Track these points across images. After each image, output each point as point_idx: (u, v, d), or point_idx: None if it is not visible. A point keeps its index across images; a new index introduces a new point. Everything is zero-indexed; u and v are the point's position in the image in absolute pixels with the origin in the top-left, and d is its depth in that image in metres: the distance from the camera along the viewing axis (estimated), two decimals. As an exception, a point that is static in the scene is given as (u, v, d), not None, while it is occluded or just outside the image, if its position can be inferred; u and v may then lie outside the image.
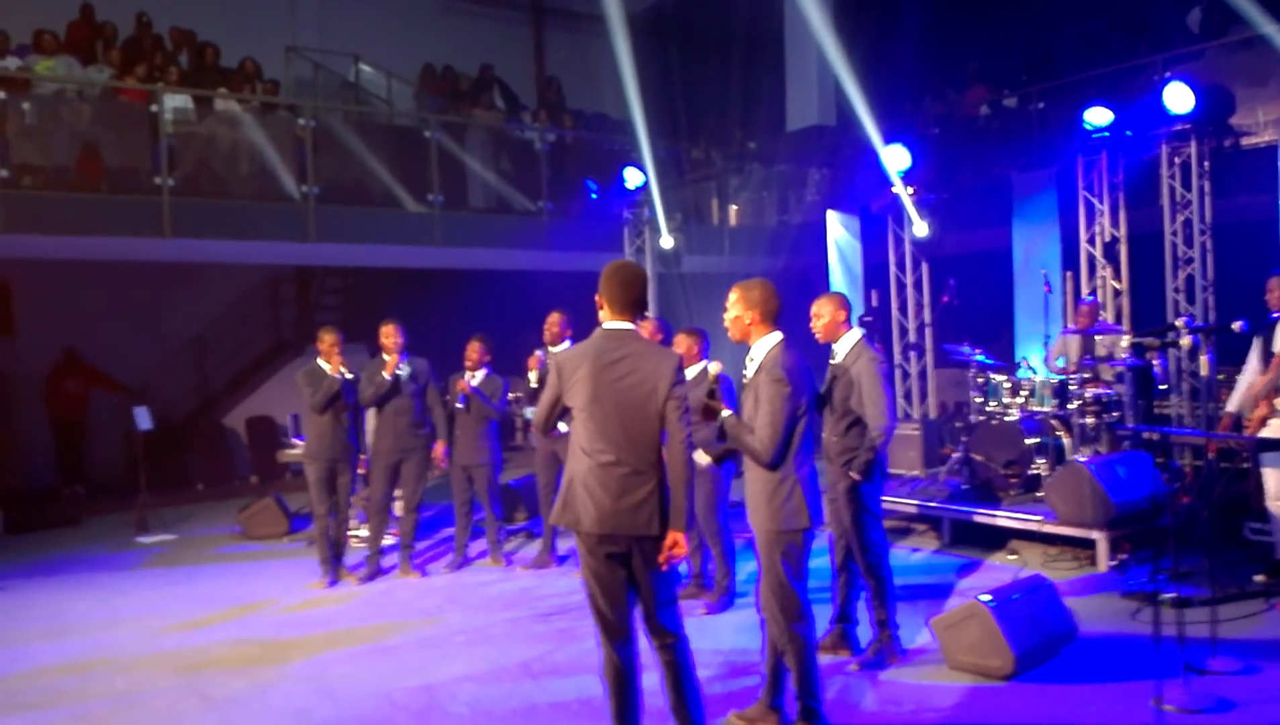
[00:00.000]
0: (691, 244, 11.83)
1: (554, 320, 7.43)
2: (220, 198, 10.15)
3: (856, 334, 5.38)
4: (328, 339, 7.35)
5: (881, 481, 5.38)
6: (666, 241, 11.37)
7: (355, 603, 6.94)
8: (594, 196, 11.63)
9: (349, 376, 7.32)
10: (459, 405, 7.58)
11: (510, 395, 8.15)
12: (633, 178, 11.02)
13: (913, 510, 8.33)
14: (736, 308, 4.37)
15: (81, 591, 7.49)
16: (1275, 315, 6.39)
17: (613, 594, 3.86)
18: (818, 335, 5.38)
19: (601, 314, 3.99)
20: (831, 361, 5.33)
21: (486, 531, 7.87)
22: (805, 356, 4.37)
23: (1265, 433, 6.25)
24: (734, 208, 14.00)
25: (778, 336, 4.33)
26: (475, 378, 7.61)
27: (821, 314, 5.36)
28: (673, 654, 3.89)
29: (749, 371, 4.33)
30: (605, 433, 3.82)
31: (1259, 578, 6.34)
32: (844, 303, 5.44)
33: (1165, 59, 9.82)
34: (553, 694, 5.06)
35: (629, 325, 3.94)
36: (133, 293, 12.04)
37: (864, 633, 5.46)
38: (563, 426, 4.17)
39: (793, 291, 5.34)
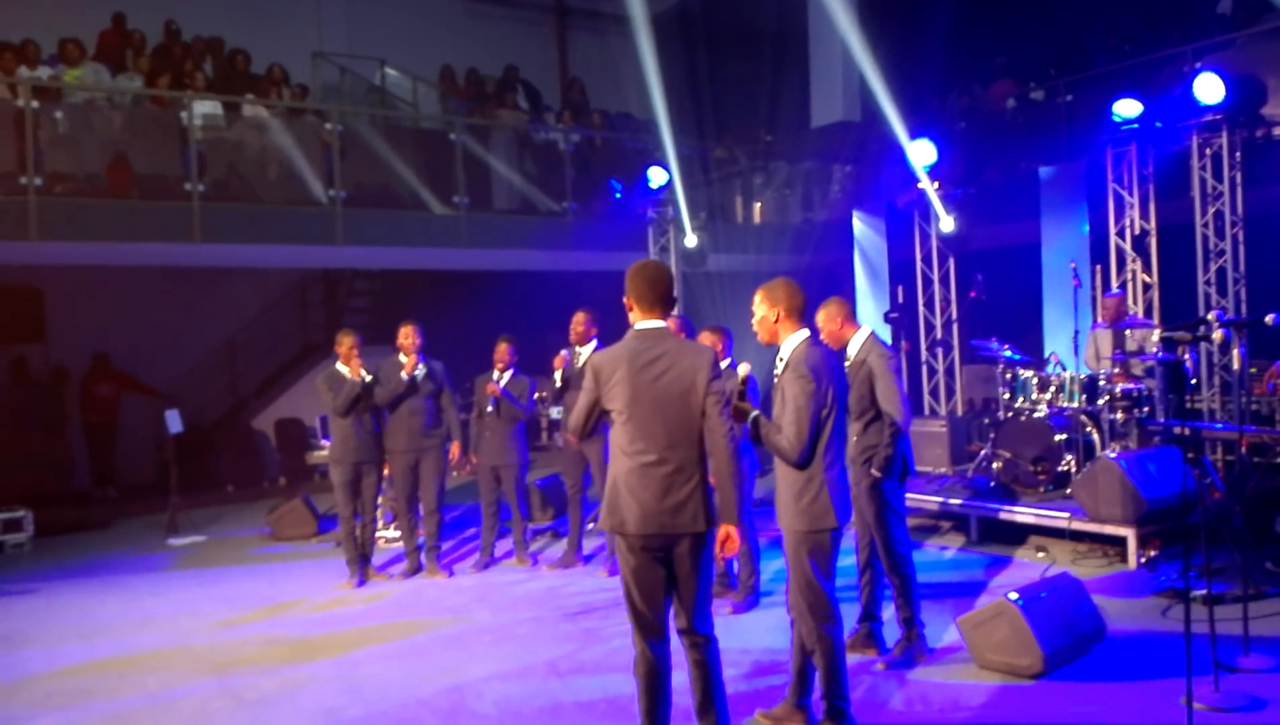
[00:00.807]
0: (716, 242, 11.82)
1: (579, 319, 7.44)
2: (249, 202, 10.24)
3: (865, 332, 5.35)
4: (346, 342, 7.35)
5: (905, 479, 5.34)
6: (691, 240, 11.36)
7: (383, 603, 6.98)
8: (618, 196, 11.62)
9: (369, 378, 7.34)
10: (489, 408, 7.61)
11: (536, 395, 8.16)
12: (657, 177, 11.00)
13: (939, 508, 8.28)
14: (761, 308, 4.36)
15: (113, 593, 7.58)
16: None
17: (652, 593, 3.85)
18: (828, 344, 5.34)
19: (632, 316, 3.96)
20: (845, 363, 5.29)
21: (513, 531, 7.89)
22: (834, 353, 4.34)
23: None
24: (759, 205, 13.94)
25: (805, 333, 4.31)
26: (503, 379, 7.64)
27: (823, 326, 5.31)
28: (703, 654, 3.88)
29: (779, 370, 4.31)
30: (646, 433, 3.81)
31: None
32: (841, 306, 5.37)
33: (1195, 49, 9.65)
34: (579, 693, 5.07)
35: (661, 323, 3.92)
36: (163, 298, 12.20)
37: (891, 632, 5.43)
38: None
39: (818, 289, 5.32)
